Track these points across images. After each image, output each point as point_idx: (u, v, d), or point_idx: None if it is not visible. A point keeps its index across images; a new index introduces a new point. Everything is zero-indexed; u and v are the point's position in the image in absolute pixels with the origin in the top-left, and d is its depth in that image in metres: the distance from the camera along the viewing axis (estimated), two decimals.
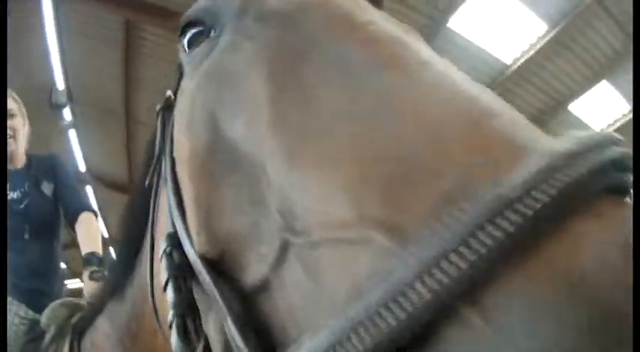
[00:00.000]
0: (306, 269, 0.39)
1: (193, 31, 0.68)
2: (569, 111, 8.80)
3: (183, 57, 0.70)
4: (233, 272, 0.48)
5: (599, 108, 8.68)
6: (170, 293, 0.53)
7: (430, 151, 0.36)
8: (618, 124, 8.75)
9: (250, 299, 0.45)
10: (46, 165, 2.12)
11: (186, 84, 0.66)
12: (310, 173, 0.41)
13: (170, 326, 0.53)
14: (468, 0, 6.87)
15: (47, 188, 2.03)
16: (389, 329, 0.29)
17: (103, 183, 12.06)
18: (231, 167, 0.50)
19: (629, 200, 0.33)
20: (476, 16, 7.07)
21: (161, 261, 0.56)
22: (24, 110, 2.15)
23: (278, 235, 0.42)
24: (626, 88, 7.93)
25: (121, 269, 0.95)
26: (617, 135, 0.36)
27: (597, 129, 9.06)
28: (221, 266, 0.49)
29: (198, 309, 0.52)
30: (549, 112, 8.72)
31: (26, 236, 1.89)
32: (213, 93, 0.57)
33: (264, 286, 0.43)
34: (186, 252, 0.53)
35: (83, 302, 1.46)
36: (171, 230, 0.57)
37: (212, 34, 0.65)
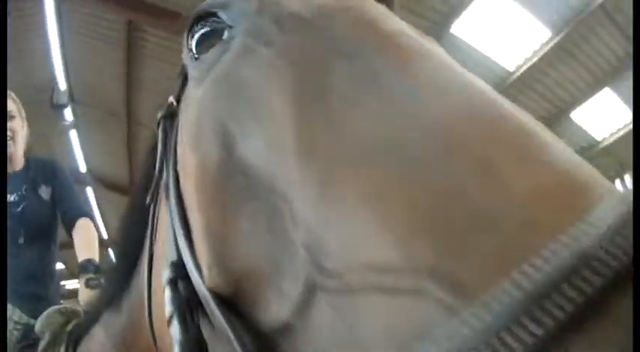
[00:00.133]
0: (338, 315, 0.34)
1: (203, 31, 0.63)
2: (571, 118, 8.78)
3: (189, 60, 0.65)
4: (247, 309, 0.43)
5: (601, 116, 8.66)
6: (176, 329, 0.48)
7: (489, 192, 0.32)
8: (621, 133, 8.73)
9: (266, 340, 0.40)
10: (45, 169, 2.09)
11: (193, 91, 0.61)
12: (346, 208, 0.36)
13: None
14: (471, 5, 6.86)
15: (45, 192, 2.00)
16: None
17: (104, 184, 12.06)
18: (246, 192, 0.45)
19: None
20: (479, 21, 7.06)
21: (164, 290, 0.50)
22: (23, 112, 2.13)
23: (303, 274, 0.37)
24: (628, 95, 7.91)
25: (117, 279, 0.93)
26: None
27: (599, 138, 9.06)
28: (233, 301, 0.44)
29: (206, 346, 0.47)
30: (551, 120, 8.69)
31: (21, 240, 1.86)
32: (225, 105, 0.52)
33: (284, 327, 0.39)
34: (194, 284, 0.48)
35: (79, 308, 1.43)
36: (175, 257, 0.52)
37: (225, 35, 0.60)
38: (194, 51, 0.64)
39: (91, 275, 1.70)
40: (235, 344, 0.40)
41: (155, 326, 0.70)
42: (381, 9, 0.54)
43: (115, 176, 11.83)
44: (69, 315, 1.37)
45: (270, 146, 0.44)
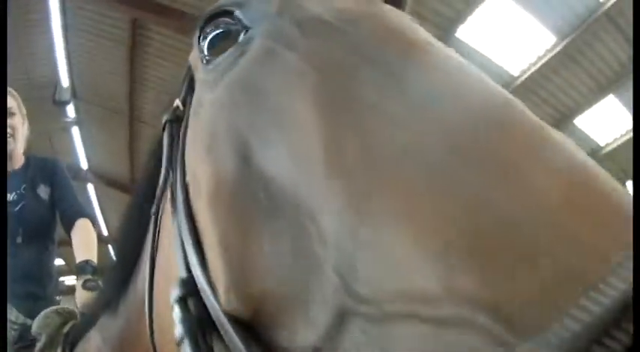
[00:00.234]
0: (371, 342, 0.32)
1: (216, 32, 0.60)
2: (574, 124, 8.76)
3: (199, 63, 0.62)
4: (268, 333, 0.40)
5: (604, 123, 8.64)
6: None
7: (535, 216, 0.30)
8: (624, 139, 8.71)
9: None
10: (44, 168, 2.07)
11: (205, 96, 0.57)
12: (380, 227, 0.33)
13: None
14: (476, 10, 6.84)
15: (44, 191, 1.98)
16: None
17: (105, 181, 12.07)
18: (267, 208, 0.41)
19: None
20: (484, 26, 7.04)
21: (172, 307, 0.47)
22: (24, 109, 2.11)
23: (334, 299, 0.34)
24: (632, 102, 7.89)
25: (115, 283, 0.92)
26: None
27: (602, 143, 9.04)
28: (252, 325, 0.41)
29: None
30: (555, 125, 8.57)
31: (19, 240, 1.84)
32: (243, 112, 0.48)
33: None
34: (208, 306, 0.45)
35: (76, 309, 1.42)
36: (184, 274, 0.48)
37: (241, 37, 0.56)
38: (206, 53, 0.61)
39: (89, 277, 1.68)
40: None
41: (156, 336, 0.68)
42: (404, 16, 0.52)
43: (116, 173, 11.83)
44: (66, 316, 1.36)
45: (294, 157, 0.41)
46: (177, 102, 0.67)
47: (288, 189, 0.40)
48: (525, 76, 7.86)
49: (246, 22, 0.57)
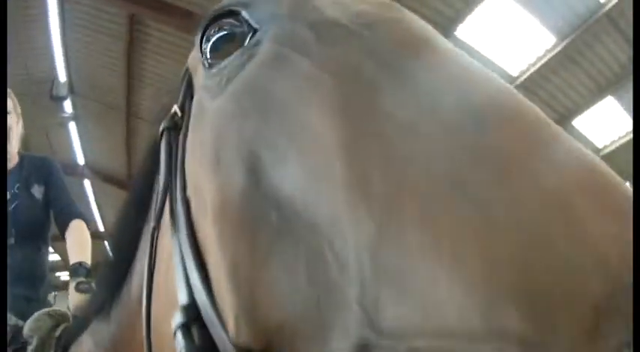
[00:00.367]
0: None
1: (220, 34, 0.56)
2: (573, 126, 8.76)
3: (201, 66, 0.59)
4: None
5: (603, 125, 8.64)
6: None
7: (576, 247, 0.27)
8: (622, 141, 8.71)
9: None
10: (39, 167, 2.05)
11: (208, 103, 0.53)
12: (410, 257, 0.30)
13: None
14: (476, 9, 6.82)
15: (38, 191, 1.96)
16: None
17: (101, 177, 12.05)
18: (280, 230, 0.38)
19: None
20: (484, 26, 7.03)
21: (174, 335, 0.44)
22: (19, 108, 2.09)
23: (355, 332, 0.31)
24: (631, 104, 7.89)
25: (108, 288, 0.90)
26: None
27: (601, 145, 9.05)
28: None
29: None
30: None
31: (12, 240, 1.82)
32: (252, 123, 0.45)
33: None
34: (214, 336, 0.42)
35: (68, 311, 1.40)
36: (186, 299, 0.45)
37: (247, 41, 0.52)
38: (209, 56, 0.57)
39: (82, 279, 1.66)
40: None
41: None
42: (422, 21, 0.49)
43: (113, 169, 11.81)
44: (58, 319, 1.35)
45: (310, 175, 0.37)
46: (175, 108, 0.63)
47: (303, 210, 0.37)
48: (524, 76, 7.85)
49: (253, 23, 0.53)
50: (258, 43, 0.51)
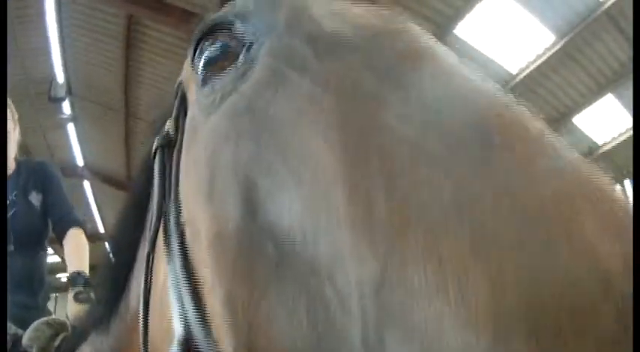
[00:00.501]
0: None
1: (214, 48, 0.53)
2: (573, 123, 8.76)
3: (195, 82, 0.56)
4: None
5: (603, 122, 8.64)
6: None
7: (593, 282, 0.26)
8: (622, 138, 8.71)
9: None
10: (36, 174, 2.03)
11: (202, 122, 0.51)
12: (415, 297, 0.28)
13: None
14: (475, 7, 6.80)
15: (35, 198, 1.95)
16: None
17: (101, 177, 12.04)
18: (278, 265, 0.36)
19: None
20: (483, 24, 7.01)
21: None
22: (16, 114, 2.08)
23: None
24: (630, 101, 7.89)
25: (106, 302, 0.89)
26: None
27: (600, 142, 9.05)
28: None
29: None
30: (553, 124, 8.59)
31: (10, 247, 1.80)
32: (248, 148, 0.42)
33: None
34: None
35: (67, 320, 1.39)
36: (182, 333, 0.43)
37: (242, 56, 0.49)
38: (202, 72, 0.54)
39: (81, 289, 1.65)
40: None
41: None
42: (425, 33, 0.46)
43: (111, 170, 11.80)
44: (57, 328, 1.34)
45: (311, 208, 0.35)
46: (169, 124, 0.60)
47: (302, 244, 0.35)
48: (524, 74, 7.83)
49: (248, 37, 0.51)
50: (253, 59, 0.48)
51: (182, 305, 0.45)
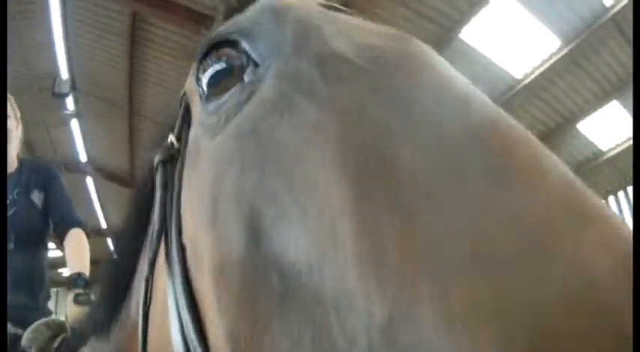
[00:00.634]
0: None
1: (218, 67, 0.52)
2: (577, 129, 8.73)
3: (198, 99, 0.55)
4: None
5: (607, 129, 8.61)
6: None
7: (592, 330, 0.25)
8: (626, 145, 8.68)
9: None
10: (39, 173, 2.02)
11: (206, 142, 0.50)
12: (425, 338, 0.27)
13: None
14: (481, 12, 6.79)
15: (37, 197, 1.94)
16: None
17: (104, 174, 12.06)
18: (283, 298, 0.35)
19: None
20: (489, 28, 6.99)
21: None
22: (18, 112, 2.07)
23: None
24: (632, 104, 7.86)
25: (107, 306, 0.89)
26: None
27: (604, 149, 9.02)
28: None
29: None
30: (557, 130, 8.64)
31: (11, 246, 1.80)
32: (251, 174, 0.41)
33: None
34: None
35: (66, 322, 1.38)
36: None
37: (247, 75, 0.48)
38: (205, 90, 0.53)
39: (81, 291, 1.64)
40: None
41: None
42: (437, 55, 0.45)
43: (115, 166, 11.82)
44: (55, 329, 1.34)
45: (316, 239, 0.34)
46: (172, 138, 0.59)
47: (308, 278, 0.34)
48: (529, 79, 7.81)
49: (254, 56, 0.49)
50: (259, 80, 0.47)
51: (182, 326, 0.44)
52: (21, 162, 2.05)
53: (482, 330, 0.26)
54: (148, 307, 0.56)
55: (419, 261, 0.29)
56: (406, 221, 0.31)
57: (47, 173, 2.05)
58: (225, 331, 0.39)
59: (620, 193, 8.63)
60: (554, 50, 7.37)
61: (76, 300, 1.59)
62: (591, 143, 8.96)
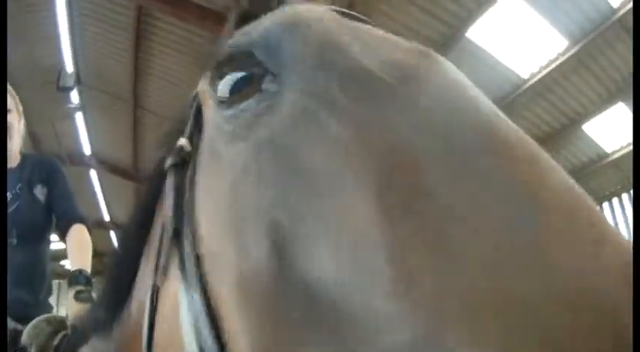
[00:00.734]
0: None
1: (238, 76, 0.51)
2: (582, 130, 8.69)
3: (209, 99, 0.54)
4: None
5: (613, 130, 8.56)
6: None
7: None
8: (631, 147, 8.64)
9: None
10: (42, 168, 2.01)
11: (224, 148, 0.49)
12: None
13: None
14: (488, 11, 6.74)
15: (40, 192, 1.92)
16: None
17: (108, 167, 12.09)
18: (309, 318, 0.34)
19: None
20: (496, 27, 6.95)
21: None
22: (20, 106, 2.05)
23: None
24: (632, 106, 7.82)
25: (109, 305, 0.89)
26: None
27: (609, 150, 8.98)
28: None
29: None
30: (562, 130, 8.60)
31: (13, 241, 1.79)
32: (274, 188, 0.40)
33: None
34: None
35: (67, 319, 1.38)
36: None
37: (265, 84, 0.48)
38: (221, 96, 0.52)
39: (81, 288, 1.63)
40: None
41: None
42: (461, 73, 0.44)
43: (119, 160, 11.84)
44: (56, 325, 1.35)
45: (343, 259, 0.34)
46: (183, 141, 0.58)
47: (335, 299, 0.33)
48: (535, 79, 7.77)
49: (272, 68, 0.49)
50: (280, 91, 0.46)
51: (199, 337, 0.43)
52: (24, 156, 2.04)
53: None
54: (155, 313, 0.55)
55: (450, 297, 0.29)
56: (437, 252, 0.31)
57: (50, 167, 2.03)
58: (249, 343, 0.38)
59: (624, 195, 8.61)
60: (561, 50, 7.33)
61: (77, 297, 1.58)
62: (596, 144, 8.92)
